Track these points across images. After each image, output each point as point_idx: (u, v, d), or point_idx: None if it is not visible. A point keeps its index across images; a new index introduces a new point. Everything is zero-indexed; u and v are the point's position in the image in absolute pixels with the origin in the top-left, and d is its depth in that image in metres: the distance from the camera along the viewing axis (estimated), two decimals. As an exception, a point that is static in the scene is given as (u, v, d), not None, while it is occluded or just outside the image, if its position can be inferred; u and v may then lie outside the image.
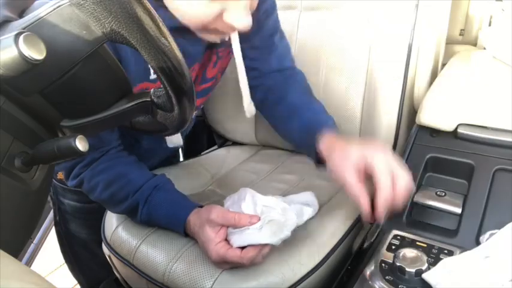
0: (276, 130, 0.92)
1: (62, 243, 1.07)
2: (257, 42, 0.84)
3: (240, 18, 0.59)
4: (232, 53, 0.79)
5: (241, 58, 0.80)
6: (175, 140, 0.82)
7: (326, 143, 0.73)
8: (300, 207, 0.71)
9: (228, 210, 0.65)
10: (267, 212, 0.62)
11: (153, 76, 0.69)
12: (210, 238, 0.63)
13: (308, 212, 0.72)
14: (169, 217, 0.72)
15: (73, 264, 1.10)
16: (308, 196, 0.75)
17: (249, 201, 0.65)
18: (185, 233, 0.71)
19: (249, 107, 0.86)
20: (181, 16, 0.60)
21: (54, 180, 0.98)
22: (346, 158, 0.65)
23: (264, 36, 0.84)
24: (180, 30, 0.62)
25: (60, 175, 0.94)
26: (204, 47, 0.76)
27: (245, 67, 0.81)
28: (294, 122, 0.82)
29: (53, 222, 1.13)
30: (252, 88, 0.86)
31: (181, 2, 0.59)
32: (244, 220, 0.62)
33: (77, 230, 1.03)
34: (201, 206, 0.70)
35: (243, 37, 0.78)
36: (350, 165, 0.64)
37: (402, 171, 0.62)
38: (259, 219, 0.62)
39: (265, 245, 0.62)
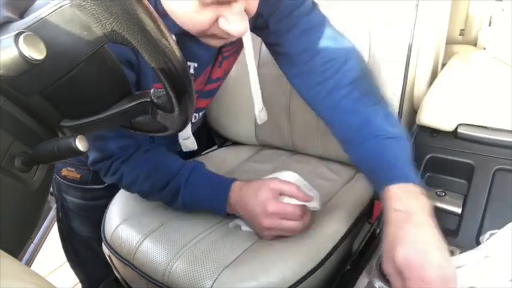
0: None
1: (64, 240, 1.07)
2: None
3: (235, 24, 0.57)
4: (238, 51, 0.79)
5: (253, 59, 0.78)
6: (190, 145, 0.84)
7: (391, 221, 0.57)
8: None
9: (283, 202, 0.69)
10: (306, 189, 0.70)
11: None
12: (265, 197, 0.68)
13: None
14: (211, 195, 0.74)
15: (74, 261, 1.10)
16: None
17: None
18: (226, 211, 0.75)
19: (260, 113, 0.84)
20: (182, 23, 0.60)
21: (57, 177, 0.98)
22: (423, 279, 0.49)
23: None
24: (192, 36, 0.62)
25: (65, 171, 0.95)
26: (216, 49, 0.76)
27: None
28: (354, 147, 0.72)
29: (53, 222, 1.13)
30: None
31: (176, 9, 0.58)
32: (299, 213, 0.68)
33: (79, 227, 1.03)
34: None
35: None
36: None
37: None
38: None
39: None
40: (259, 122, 0.84)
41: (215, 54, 0.77)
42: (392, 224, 0.55)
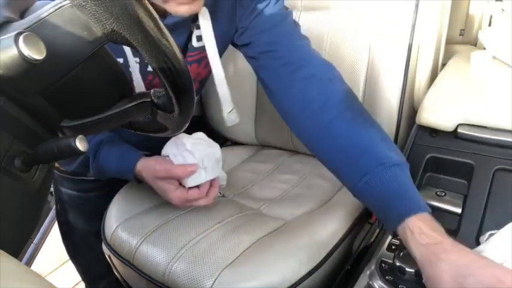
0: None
1: (63, 233, 1.08)
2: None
3: None
4: (202, 61, 0.78)
5: (219, 62, 0.74)
6: (234, 118, 0.82)
7: (409, 243, 0.54)
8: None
9: (171, 163, 0.73)
10: (201, 151, 0.74)
11: None
12: (166, 188, 0.73)
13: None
14: (119, 167, 0.78)
15: (73, 255, 1.10)
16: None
17: (185, 150, 0.74)
18: (137, 179, 0.79)
19: (229, 115, 0.80)
20: None
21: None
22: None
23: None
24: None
25: (57, 163, 0.96)
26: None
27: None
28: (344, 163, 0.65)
29: (53, 222, 1.13)
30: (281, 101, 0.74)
31: None
32: (189, 171, 0.71)
33: (74, 220, 1.04)
34: (148, 155, 0.78)
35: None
36: None
37: None
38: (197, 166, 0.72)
39: (214, 179, 0.75)
40: (228, 124, 0.81)
41: None
42: (432, 260, 0.50)
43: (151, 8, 0.36)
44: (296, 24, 0.78)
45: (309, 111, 0.68)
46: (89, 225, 0.99)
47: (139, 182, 0.80)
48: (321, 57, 0.74)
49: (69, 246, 1.09)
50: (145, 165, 0.76)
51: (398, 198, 0.58)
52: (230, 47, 0.82)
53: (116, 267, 0.83)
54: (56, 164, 0.96)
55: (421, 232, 0.53)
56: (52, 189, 1.05)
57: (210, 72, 0.80)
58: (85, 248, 1.05)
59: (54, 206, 1.08)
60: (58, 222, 1.08)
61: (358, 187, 0.62)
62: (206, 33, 0.71)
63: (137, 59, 0.72)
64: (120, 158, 0.78)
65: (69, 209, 1.03)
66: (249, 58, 0.78)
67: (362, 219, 0.86)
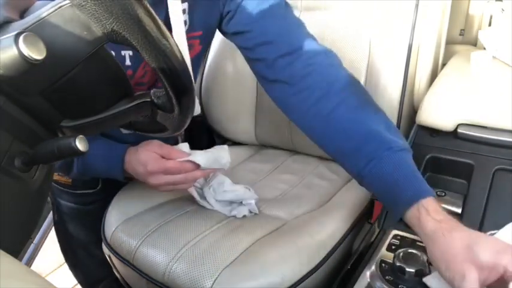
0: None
1: (62, 242, 1.07)
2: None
3: None
4: (193, 47, 0.75)
5: (183, 33, 0.70)
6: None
7: (423, 220, 0.55)
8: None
9: (162, 160, 0.72)
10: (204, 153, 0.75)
11: None
12: (147, 158, 0.72)
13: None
14: (107, 158, 0.76)
15: (73, 263, 1.10)
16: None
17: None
18: (125, 176, 0.77)
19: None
20: None
21: None
22: (471, 261, 0.48)
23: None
24: None
25: (56, 176, 0.94)
26: None
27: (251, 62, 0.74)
28: (346, 145, 0.65)
29: (53, 222, 1.13)
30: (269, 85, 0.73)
31: None
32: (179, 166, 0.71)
33: (75, 230, 1.03)
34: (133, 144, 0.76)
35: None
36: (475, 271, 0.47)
37: None
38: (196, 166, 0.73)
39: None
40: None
41: None
42: (445, 231, 0.52)
43: (150, 7, 0.36)
44: (288, 6, 0.74)
45: (311, 100, 0.67)
46: (91, 235, 0.97)
47: (126, 178, 0.79)
48: (318, 42, 0.73)
49: (69, 255, 1.08)
50: (135, 148, 0.75)
51: (409, 181, 0.58)
52: (232, 44, 0.80)
53: (116, 267, 0.83)
54: (55, 177, 0.94)
55: (436, 210, 0.55)
56: (49, 199, 1.04)
57: (199, 53, 0.79)
58: (86, 256, 1.05)
59: (52, 216, 1.07)
60: (56, 231, 1.07)
61: (365, 172, 0.62)
62: (173, 12, 0.68)
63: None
64: (108, 149, 0.77)
65: (68, 220, 1.02)
66: (243, 49, 0.75)
67: (362, 219, 0.86)
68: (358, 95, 0.67)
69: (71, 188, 0.95)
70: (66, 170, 0.79)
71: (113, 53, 0.69)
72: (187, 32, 0.73)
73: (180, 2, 0.69)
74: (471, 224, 0.64)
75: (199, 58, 0.82)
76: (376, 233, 0.68)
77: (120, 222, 0.80)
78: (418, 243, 0.62)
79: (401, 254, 0.57)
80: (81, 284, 1.14)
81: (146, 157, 0.73)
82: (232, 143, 1.19)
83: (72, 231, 1.03)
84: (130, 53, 0.70)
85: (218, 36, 0.98)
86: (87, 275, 1.11)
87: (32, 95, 0.38)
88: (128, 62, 0.71)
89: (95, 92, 0.43)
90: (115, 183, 0.84)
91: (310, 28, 0.99)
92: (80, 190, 0.95)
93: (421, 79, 0.93)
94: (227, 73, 1.08)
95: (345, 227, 0.78)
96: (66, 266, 1.11)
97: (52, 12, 0.36)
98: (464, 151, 0.74)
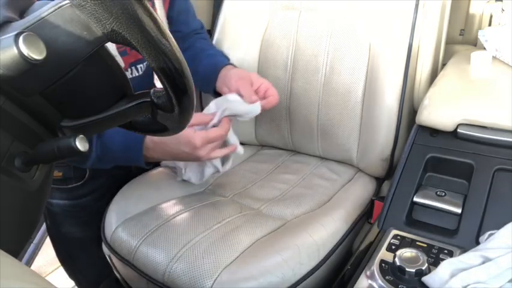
0: None
1: (57, 247, 1.06)
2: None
3: None
4: None
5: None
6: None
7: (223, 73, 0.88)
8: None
9: (202, 131, 0.78)
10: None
11: None
12: (185, 134, 0.75)
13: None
14: (126, 140, 0.78)
15: (71, 266, 1.09)
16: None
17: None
18: (144, 161, 0.80)
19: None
20: None
21: None
22: (242, 78, 0.82)
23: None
24: None
25: None
26: None
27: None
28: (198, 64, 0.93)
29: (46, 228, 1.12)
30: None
31: None
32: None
33: (70, 230, 1.02)
34: None
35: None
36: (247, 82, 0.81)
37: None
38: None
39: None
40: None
41: None
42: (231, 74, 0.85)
43: (151, 7, 0.36)
44: None
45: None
46: (86, 232, 0.97)
47: (145, 164, 0.81)
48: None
49: (66, 259, 1.07)
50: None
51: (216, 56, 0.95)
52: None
53: (115, 267, 0.83)
54: None
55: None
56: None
57: None
58: (85, 256, 1.04)
59: (45, 221, 1.06)
60: (50, 237, 1.05)
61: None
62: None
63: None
64: (126, 132, 0.78)
65: (62, 220, 1.01)
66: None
67: (362, 219, 0.86)
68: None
69: (62, 183, 0.95)
70: (81, 161, 0.81)
71: None
72: None
73: None
74: (471, 224, 0.64)
75: None
76: (376, 233, 0.68)
77: (120, 222, 0.80)
78: (418, 243, 0.62)
79: (401, 254, 0.57)
80: (81, 286, 1.14)
81: (186, 134, 0.76)
82: (232, 143, 1.18)
83: (67, 232, 1.02)
84: None
85: (216, 35, 0.98)
86: (87, 276, 1.10)
87: (32, 95, 0.38)
88: None
89: (94, 92, 0.43)
90: (102, 172, 0.87)
91: (310, 28, 1.00)
92: (70, 184, 0.95)
93: (421, 79, 0.93)
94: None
95: (344, 227, 0.78)
96: (66, 266, 1.11)
97: (52, 12, 0.36)
98: (464, 151, 0.74)
